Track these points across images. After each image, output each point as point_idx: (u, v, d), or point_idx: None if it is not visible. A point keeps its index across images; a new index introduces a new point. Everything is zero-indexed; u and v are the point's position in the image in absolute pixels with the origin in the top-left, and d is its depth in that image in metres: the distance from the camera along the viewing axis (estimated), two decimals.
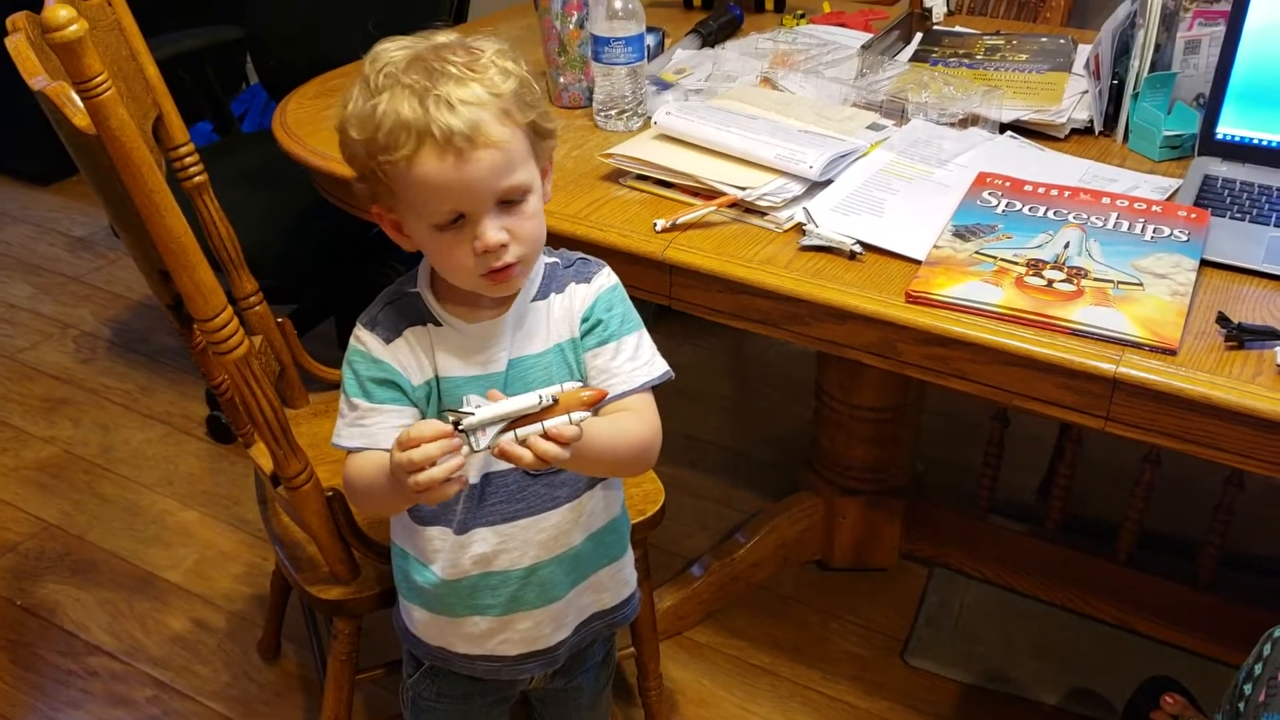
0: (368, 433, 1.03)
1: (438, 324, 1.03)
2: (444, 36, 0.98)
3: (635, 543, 1.31)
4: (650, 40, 1.66)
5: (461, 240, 0.96)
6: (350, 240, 2.23)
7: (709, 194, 1.32)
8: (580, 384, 0.98)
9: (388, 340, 1.03)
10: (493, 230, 0.95)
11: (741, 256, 1.23)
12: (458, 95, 0.92)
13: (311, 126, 1.57)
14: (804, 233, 1.24)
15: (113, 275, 2.84)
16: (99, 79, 0.93)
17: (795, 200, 1.30)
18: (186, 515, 2.07)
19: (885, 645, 1.78)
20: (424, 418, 1.03)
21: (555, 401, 0.90)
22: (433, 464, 0.89)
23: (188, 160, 1.31)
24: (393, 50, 0.95)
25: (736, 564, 1.82)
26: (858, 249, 1.21)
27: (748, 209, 1.30)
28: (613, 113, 1.53)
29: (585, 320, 1.06)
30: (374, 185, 0.97)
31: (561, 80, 1.61)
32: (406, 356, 1.03)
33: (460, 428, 0.89)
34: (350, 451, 1.04)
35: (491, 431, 0.89)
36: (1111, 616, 1.76)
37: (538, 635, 1.14)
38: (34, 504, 2.09)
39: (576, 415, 0.90)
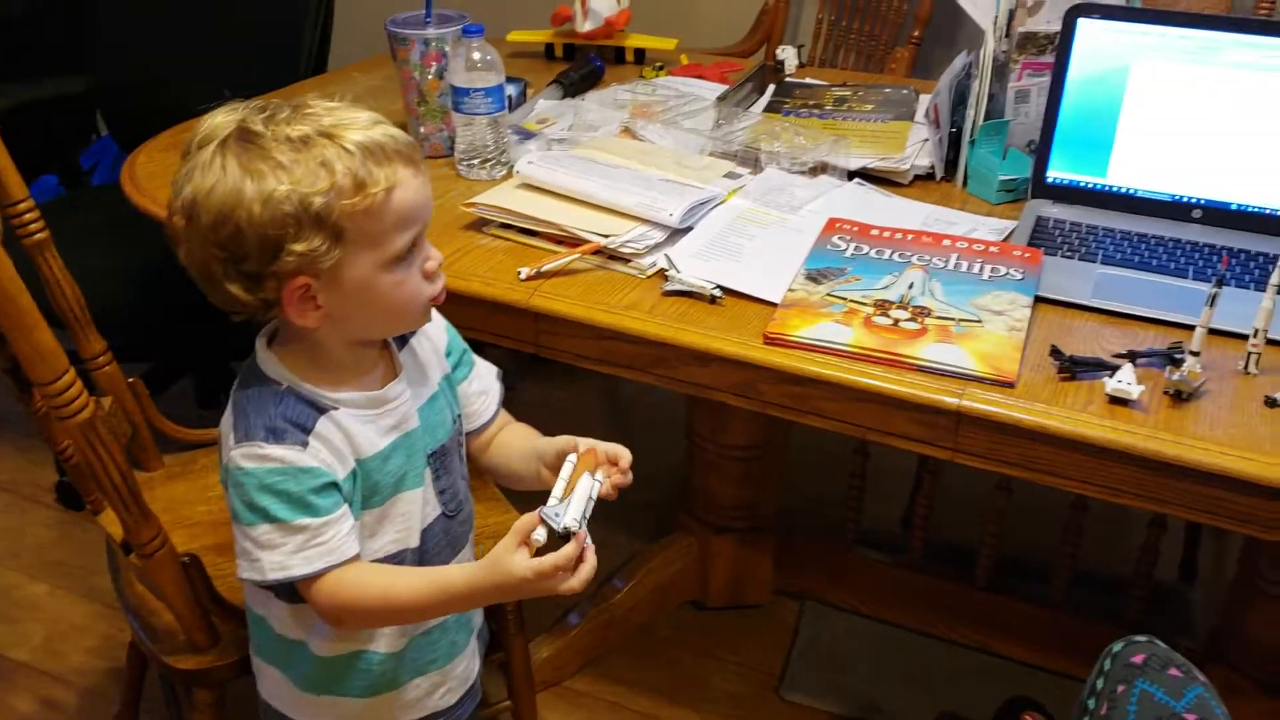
0: (329, 549, 0.95)
1: (334, 408, 0.98)
2: (244, 109, 0.93)
3: None
4: (511, 90, 1.68)
5: (412, 268, 0.96)
6: (203, 296, 2.18)
7: (573, 241, 1.34)
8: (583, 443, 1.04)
9: (304, 445, 0.95)
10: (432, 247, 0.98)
11: (606, 303, 1.25)
12: (375, 122, 0.93)
13: (163, 180, 1.53)
14: (666, 278, 1.27)
15: None
16: None
17: (657, 247, 1.33)
18: (35, 588, 1.97)
19: (761, 682, 1.80)
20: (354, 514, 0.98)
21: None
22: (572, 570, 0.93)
23: (27, 217, 1.26)
24: (263, 128, 0.90)
25: (614, 609, 1.82)
26: (718, 293, 1.24)
27: (611, 256, 1.32)
28: (475, 162, 1.54)
29: (450, 354, 1.09)
30: (309, 251, 0.89)
31: (422, 130, 1.61)
32: (328, 455, 0.96)
33: (572, 530, 0.93)
34: (311, 578, 0.95)
35: (576, 515, 0.94)
36: (973, 640, 1.83)
37: (469, 673, 1.14)
38: None
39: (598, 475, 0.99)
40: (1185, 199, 1.38)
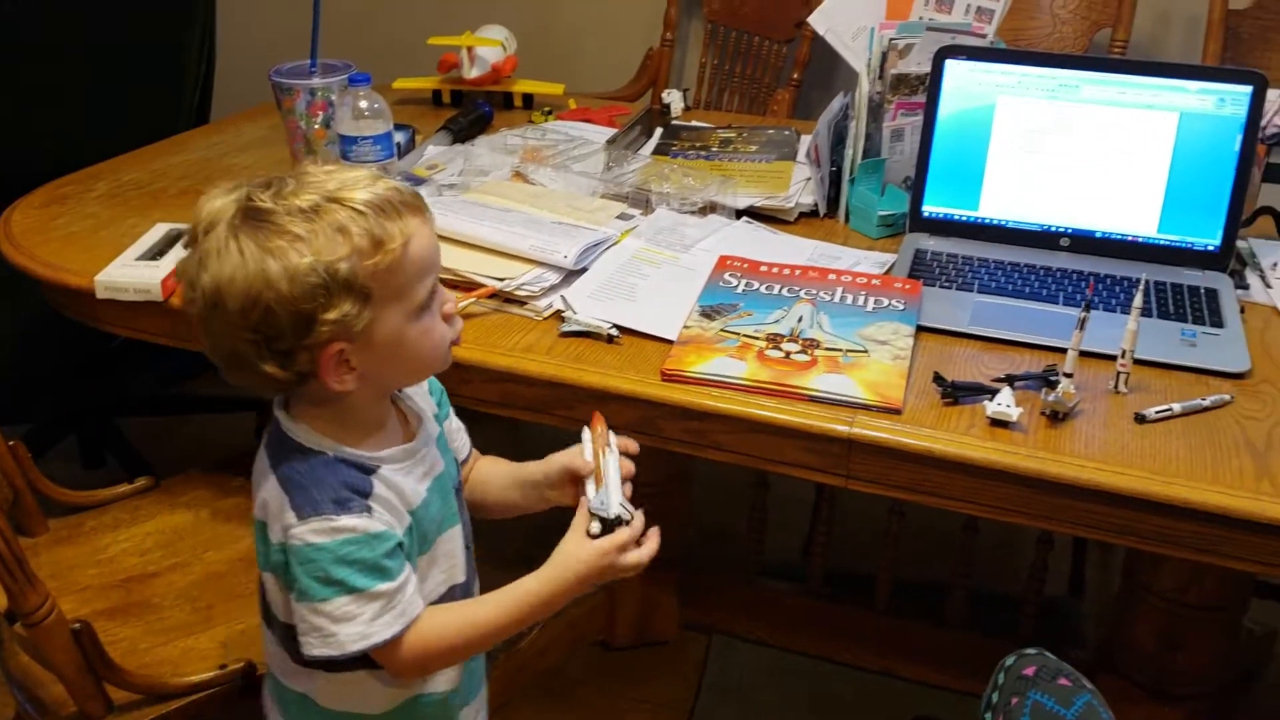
0: (404, 609, 0.94)
1: (377, 467, 0.97)
2: (241, 188, 0.92)
3: None
4: (400, 137, 1.68)
5: (434, 315, 0.97)
6: (87, 353, 2.12)
7: (468, 286, 1.34)
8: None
9: (369, 511, 0.94)
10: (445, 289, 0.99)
11: (503, 346, 1.26)
12: (375, 178, 0.93)
13: (41, 236, 1.50)
14: (563, 319, 1.28)
15: None
16: None
17: (553, 289, 1.35)
18: None
19: (673, 718, 1.81)
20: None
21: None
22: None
23: None
24: (270, 202, 0.89)
25: (523, 653, 1.81)
26: (615, 332, 1.26)
27: (507, 299, 1.33)
28: None
29: (432, 393, 1.10)
30: (342, 317, 0.88)
31: None
32: (389, 516, 0.95)
33: (624, 519, 1.01)
34: (394, 640, 0.94)
35: (618, 499, 1.02)
36: (876, 664, 1.86)
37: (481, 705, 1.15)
38: None
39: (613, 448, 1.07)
40: (1053, 228, 1.45)
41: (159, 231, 1.46)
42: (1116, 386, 1.18)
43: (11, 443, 1.35)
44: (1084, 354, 1.17)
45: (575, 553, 0.99)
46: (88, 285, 1.37)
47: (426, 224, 0.95)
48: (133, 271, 1.36)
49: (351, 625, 0.92)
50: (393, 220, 0.91)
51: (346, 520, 0.92)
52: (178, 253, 1.39)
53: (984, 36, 1.55)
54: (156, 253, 1.40)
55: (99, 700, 1.17)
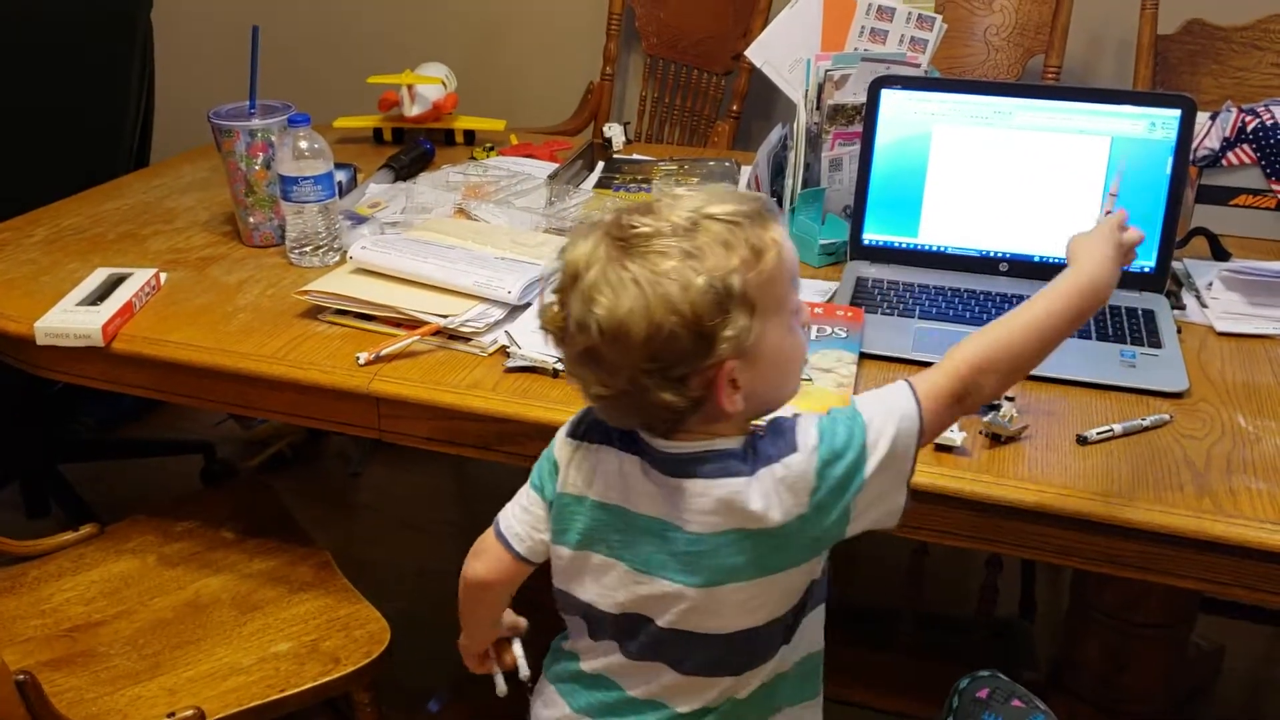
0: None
1: None
2: (601, 226, 0.91)
3: (365, 687, 1.28)
4: (341, 176, 1.68)
5: (800, 326, 0.96)
6: (26, 399, 2.08)
7: (411, 324, 1.34)
8: None
9: None
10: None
11: (448, 383, 1.26)
12: (729, 190, 0.93)
13: None
14: (508, 355, 1.28)
15: None
16: None
17: (497, 324, 1.35)
18: None
19: None
20: None
21: None
22: None
23: None
24: (648, 223, 0.89)
25: (476, 696, 1.79)
26: (560, 366, 1.26)
27: (451, 336, 1.33)
28: (307, 249, 1.53)
29: None
30: (738, 333, 0.88)
31: (251, 220, 1.60)
32: None
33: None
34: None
35: None
36: (827, 691, 1.86)
37: None
38: None
39: None
40: (992, 254, 1.48)
41: (100, 276, 1.44)
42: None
43: None
44: (1026, 378, 1.18)
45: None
46: (28, 332, 1.34)
47: (784, 229, 0.94)
48: (73, 317, 1.34)
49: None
50: (764, 228, 0.90)
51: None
52: (120, 296, 1.38)
53: (918, 66, 1.58)
54: (97, 298, 1.38)
55: None
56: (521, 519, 1.05)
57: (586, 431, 1.00)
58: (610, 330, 0.87)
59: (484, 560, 1.08)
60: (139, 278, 1.44)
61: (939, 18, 1.60)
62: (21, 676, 1.10)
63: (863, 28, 1.61)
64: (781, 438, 0.93)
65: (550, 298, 0.92)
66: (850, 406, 0.95)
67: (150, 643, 1.34)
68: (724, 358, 0.88)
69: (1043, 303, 1.00)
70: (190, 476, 2.41)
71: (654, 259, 0.87)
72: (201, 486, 2.36)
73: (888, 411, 0.93)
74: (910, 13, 1.60)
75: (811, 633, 1.05)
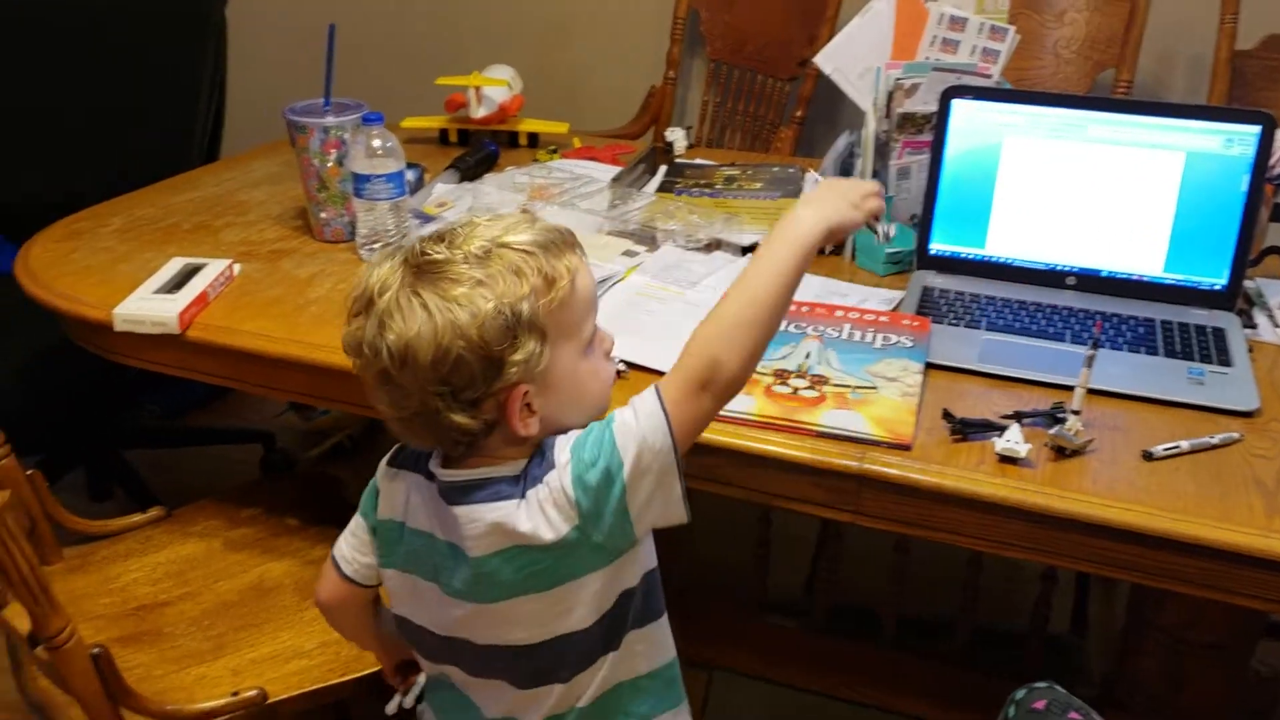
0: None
1: None
2: (402, 251, 0.94)
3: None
4: (410, 175, 1.70)
5: (599, 354, 1.00)
6: (99, 386, 2.13)
7: None
8: None
9: None
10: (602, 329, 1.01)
11: None
12: (531, 220, 0.96)
13: (58, 270, 1.52)
14: None
15: None
16: None
17: None
18: None
19: None
20: None
21: None
22: None
23: None
24: (442, 251, 0.91)
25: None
26: (622, 367, 1.28)
27: None
28: (376, 245, 1.56)
29: None
30: (527, 358, 0.91)
31: (323, 215, 1.63)
32: None
33: None
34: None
35: None
36: (879, 700, 1.86)
37: None
38: None
39: None
40: (1059, 267, 1.47)
41: (175, 265, 1.48)
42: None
43: (29, 471, 1.37)
44: (1092, 391, 1.18)
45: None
46: (105, 318, 1.38)
47: (584, 261, 0.97)
48: (150, 304, 1.38)
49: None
50: (558, 258, 0.93)
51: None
52: (195, 285, 1.41)
53: (990, 77, 1.58)
54: (173, 286, 1.42)
55: None
56: (350, 542, 1.09)
57: (403, 459, 1.03)
58: (399, 354, 0.89)
59: (322, 582, 1.12)
60: (214, 268, 1.47)
61: (1012, 29, 1.60)
62: (96, 650, 1.13)
63: (934, 37, 1.61)
64: (543, 457, 0.95)
65: (353, 320, 0.94)
66: (607, 418, 0.96)
67: (215, 624, 1.37)
68: (513, 381, 0.91)
69: (752, 266, 0.99)
70: (250, 465, 2.46)
71: (445, 285, 0.89)
72: (261, 475, 2.40)
73: (635, 415, 0.94)
74: (983, 23, 1.59)
75: (659, 643, 1.07)
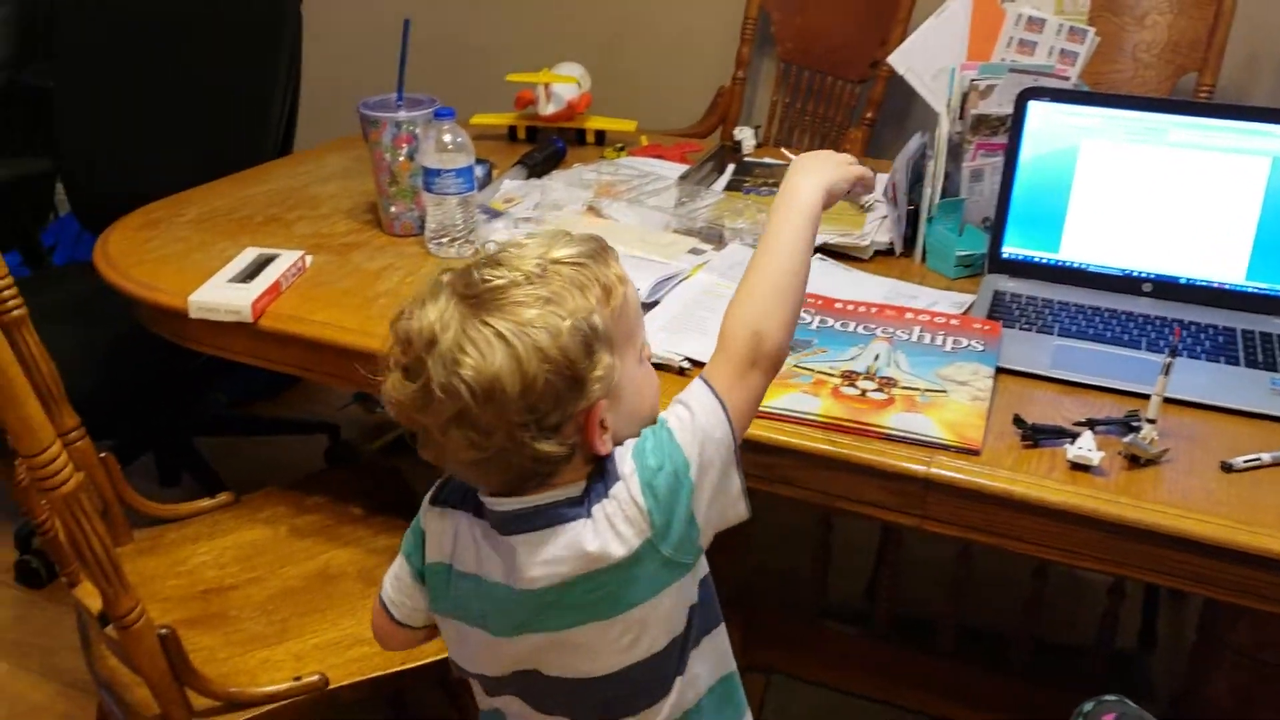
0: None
1: None
2: (448, 286, 0.90)
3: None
4: (479, 171, 1.71)
5: (646, 360, 0.98)
6: (170, 372, 2.18)
7: None
8: None
9: None
10: None
11: None
12: (564, 233, 0.94)
13: (135, 257, 1.55)
14: None
15: None
16: None
17: None
18: None
19: None
20: None
21: None
22: None
23: (6, 294, 1.27)
24: (499, 275, 0.88)
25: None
26: (686, 365, 1.27)
27: None
28: (445, 240, 1.57)
29: None
30: (606, 371, 0.88)
31: (393, 209, 1.64)
32: None
33: None
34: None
35: None
36: (938, 710, 1.84)
37: None
38: None
39: None
40: (1136, 273, 1.44)
41: (249, 255, 1.50)
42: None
43: (103, 455, 1.40)
44: (1168, 400, 1.15)
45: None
46: (180, 305, 1.41)
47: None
48: (225, 293, 1.40)
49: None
50: (607, 266, 0.91)
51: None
52: (269, 275, 1.43)
53: (1067, 79, 1.55)
54: (247, 276, 1.44)
55: (181, 706, 1.19)
56: (395, 585, 1.06)
57: (447, 497, 0.99)
58: (484, 389, 0.84)
59: (375, 618, 1.09)
60: (286, 259, 1.49)
61: (1091, 30, 1.56)
62: (164, 631, 1.15)
63: (1011, 38, 1.59)
64: (604, 473, 0.92)
65: (393, 373, 0.88)
66: (659, 421, 0.95)
67: (279, 609, 1.39)
68: (596, 399, 0.88)
69: (770, 241, 1.01)
70: (315, 455, 2.49)
71: (514, 310, 0.85)
72: (325, 465, 2.43)
73: (690, 410, 0.94)
74: (1061, 25, 1.56)
75: (719, 657, 1.04)
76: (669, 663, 0.97)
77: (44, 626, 2.02)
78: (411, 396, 0.87)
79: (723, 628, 1.04)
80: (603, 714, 0.98)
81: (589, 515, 0.91)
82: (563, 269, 0.88)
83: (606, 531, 0.90)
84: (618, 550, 0.90)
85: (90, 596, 1.18)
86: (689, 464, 0.91)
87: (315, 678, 1.26)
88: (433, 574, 1.01)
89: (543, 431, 0.87)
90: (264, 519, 1.55)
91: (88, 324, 1.99)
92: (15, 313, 1.25)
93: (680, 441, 0.92)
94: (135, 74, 2.26)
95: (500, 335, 0.84)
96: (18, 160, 2.35)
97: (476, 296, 0.86)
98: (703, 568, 1.00)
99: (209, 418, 2.56)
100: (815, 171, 1.07)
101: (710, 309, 1.40)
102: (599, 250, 0.93)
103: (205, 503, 1.56)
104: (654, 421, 0.96)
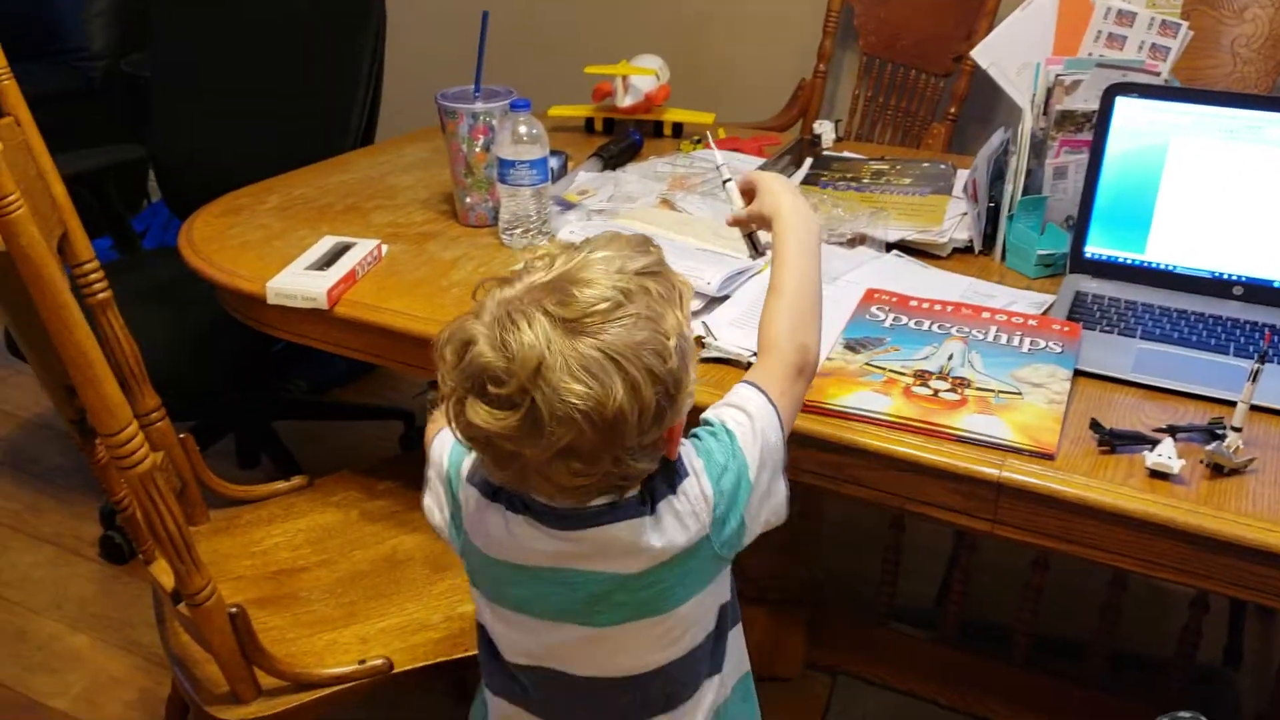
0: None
1: None
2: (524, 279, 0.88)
3: None
4: (554, 163, 1.72)
5: None
6: (252, 358, 2.22)
7: None
8: None
9: None
10: None
11: None
12: (613, 236, 0.93)
13: (218, 243, 1.58)
14: (703, 345, 1.29)
15: (3, 394, 2.76)
16: (10, 198, 0.94)
17: (694, 314, 1.35)
18: (76, 640, 1.99)
19: None
20: None
21: None
22: None
23: (92, 277, 1.31)
24: (590, 296, 0.84)
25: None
26: (755, 360, 1.26)
27: None
28: (518, 231, 1.58)
29: None
30: (695, 378, 0.90)
31: (468, 200, 1.65)
32: None
33: None
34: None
35: None
36: (1008, 718, 1.80)
37: None
38: None
39: None
40: (1225, 276, 1.39)
41: (327, 243, 1.53)
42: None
43: (182, 436, 1.43)
44: (1255, 408, 1.11)
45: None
46: (259, 291, 1.43)
47: None
48: (301, 280, 1.42)
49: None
50: (670, 268, 0.91)
51: None
52: (345, 263, 1.45)
53: (1158, 74, 1.50)
54: (324, 263, 1.46)
55: (249, 684, 1.22)
56: (438, 519, 1.03)
57: (481, 484, 0.96)
58: (604, 419, 0.81)
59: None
60: (362, 247, 1.51)
61: (1185, 24, 1.51)
62: (234, 610, 1.18)
63: (1099, 32, 1.54)
64: (672, 471, 0.92)
65: (475, 403, 0.83)
66: (714, 423, 0.97)
67: (348, 592, 1.41)
68: (687, 411, 0.88)
69: (795, 260, 1.07)
70: (390, 442, 2.53)
71: (622, 333, 0.82)
72: (400, 452, 2.46)
73: (747, 414, 0.97)
74: (1153, 18, 1.51)
75: (737, 655, 1.05)
76: (702, 660, 0.98)
77: (126, 601, 2.08)
78: (512, 429, 0.82)
79: (741, 626, 1.06)
80: (640, 713, 0.99)
81: (652, 513, 0.90)
82: (648, 283, 0.86)
83: (673, 526, 0.90)
84: (680, 539, 0.91)
85: (164, 573, 1.21)
86: (748, 465, 0.93)
87: (380, 661, 1.27)
88: (466, 547, 0.99)
89: (644, 449, 0.86)
90: (336, 503, 1.57)
91: (173, 308, 2.05)
92: (100, 295, 1.28)
93: (743, 444, 0.94)
94: (225, 65, 2.31)
95: (615, 362, 0.82)
96: (113, 147, 2.42)
97: (577, 320, 0.82)
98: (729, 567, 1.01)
99: (288, 402, 2.62)
100: (796, 194, 1.15)
101: None
102: (657, 249, 0.92)
103: (279, 485, 1.59)
104: None
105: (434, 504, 1.03)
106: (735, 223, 1.24)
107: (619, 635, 0.94)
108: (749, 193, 1.21)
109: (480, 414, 0.83)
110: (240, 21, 2.30)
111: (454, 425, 0.86)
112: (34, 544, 2.23)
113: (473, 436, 0.86)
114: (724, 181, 1.27)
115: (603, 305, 0.83)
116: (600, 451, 0.84)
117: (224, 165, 2.14)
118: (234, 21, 2.30)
